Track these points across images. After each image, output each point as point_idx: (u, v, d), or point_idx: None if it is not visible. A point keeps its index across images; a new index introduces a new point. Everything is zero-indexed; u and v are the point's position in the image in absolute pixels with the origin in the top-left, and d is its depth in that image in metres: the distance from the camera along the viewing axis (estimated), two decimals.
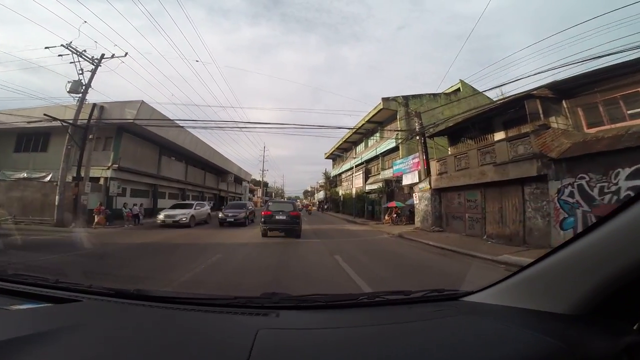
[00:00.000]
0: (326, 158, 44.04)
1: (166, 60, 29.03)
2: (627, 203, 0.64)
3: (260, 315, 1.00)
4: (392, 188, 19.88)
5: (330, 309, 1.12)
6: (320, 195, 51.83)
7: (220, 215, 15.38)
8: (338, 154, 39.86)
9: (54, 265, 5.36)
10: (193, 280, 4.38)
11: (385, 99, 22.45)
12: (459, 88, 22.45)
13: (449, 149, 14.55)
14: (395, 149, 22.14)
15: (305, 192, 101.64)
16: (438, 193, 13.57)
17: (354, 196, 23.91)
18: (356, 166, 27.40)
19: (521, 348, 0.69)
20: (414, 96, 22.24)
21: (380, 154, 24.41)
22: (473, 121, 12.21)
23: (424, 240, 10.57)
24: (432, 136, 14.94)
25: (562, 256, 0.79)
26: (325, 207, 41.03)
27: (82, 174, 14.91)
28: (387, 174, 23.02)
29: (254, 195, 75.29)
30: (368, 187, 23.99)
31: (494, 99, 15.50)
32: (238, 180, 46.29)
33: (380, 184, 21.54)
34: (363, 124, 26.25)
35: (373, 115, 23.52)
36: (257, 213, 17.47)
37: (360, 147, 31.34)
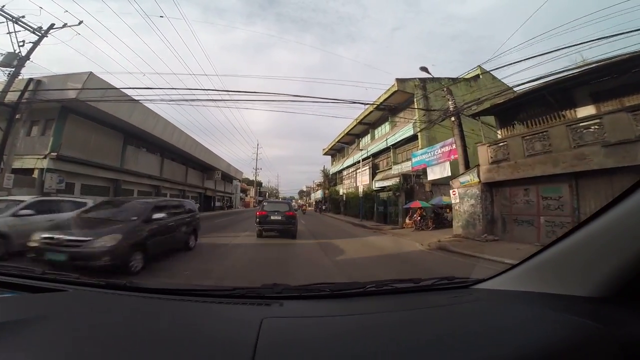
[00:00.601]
0: (325, 154, 40.26)
1: (134, 33, 24.79)
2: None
3: (262, 305, 0.94)
4: (411, 184, 16.13)
5: (336, 298, 1.05)
6: (318, 194, 47.92)
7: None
8: (338, 149, 36.15)
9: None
10: None
11: (400, 80, 18.82)
12: (479, 74, 19.07)
13: (499, 133, 10.83)
14: (412, 139, 18.48)
15: (301, 192, 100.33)
16: (489, 188, 9.83)
17: (360, 195, 20.10)
18: (363, 160, 23.59)
19: (556, 331, 0.64)
20: (432, 79, 18.56)
21: (392, 145, 20.70)
22: (540, 94, 8.52)
23: (489, 255, 6.83)
24: (475, 115, 11.18)
25: (580, 237, 0.75)
26: (324, 207, 37.17)
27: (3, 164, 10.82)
28: (402, 168, 19.32)
29: (246, 195, 71.03)
30: (377, 184, 20.21)
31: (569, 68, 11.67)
32: (227, 178, 42.09)
33: (395, 180, 17.79)
34: (371, 111, 22.55)
35: (385, 99, 19.81)
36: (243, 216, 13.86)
37: (365, 140, 27.59)
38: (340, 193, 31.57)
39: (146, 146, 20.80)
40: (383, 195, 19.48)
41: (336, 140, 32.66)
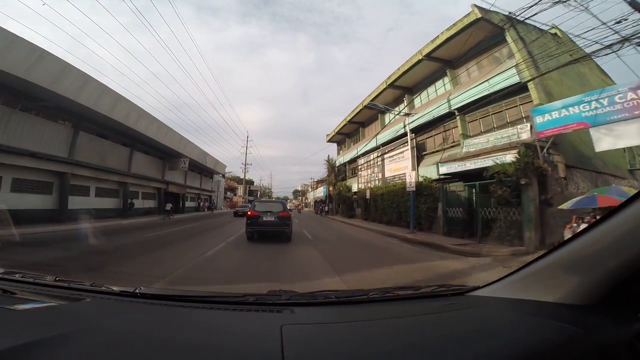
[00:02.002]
0: (329, 141, 31.73)
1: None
2: (631, 200, 0.66)
3: (275, 312, 0.95)
4: (540, 166, 7.76)
5: (342, 304, 1.09)
6: (320, 192, 39.34)
7: None
8: (348, 133, 27.69)
9: None
10: None
11: (481, 8, 10.71)
12: (556, 33, 11.50)
13: None
14: (520, 91, 10.03)
15: (295, 192, 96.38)
16: None
17: (409, 189, 11.52)
18: (397, 138, 15.14)
19: (539, 335, 0.69)
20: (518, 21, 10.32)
21: (459, 108, 12.32)
22: None
23: None
24: None
25: (569, 250, 0.80)
26: (327, 208, 28.73)
27: None
28: (480, 144, 11.00)
29: (234, 194, 61.89)
30: (443, 170, 11.67)
31: None
32: (205, 171, 33.13)
33: (478, 163, 9.48)
34: (409, 70, 14.30)
35: (457, 32, 11.61)
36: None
37: (388, 118, 19.22)
38: (355, 189, 23.10)
39: (41, 110, 11.93)
40: (457, 188, 11.07)
41: (349, 118, 24.13)
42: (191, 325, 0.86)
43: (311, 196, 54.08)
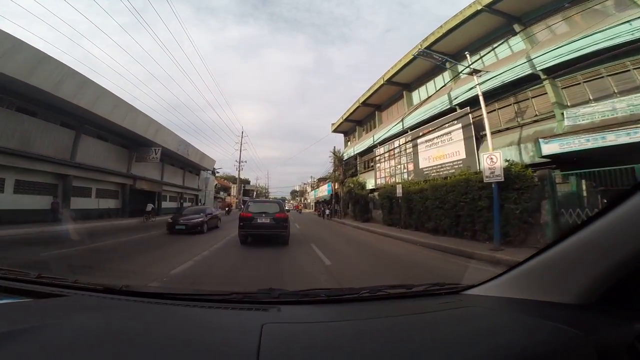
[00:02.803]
0: (334, 131, 27.21)
1: None
2: (627, 194, 0.64)
3: (261, 311, 0.92)
4: None
5: (332, 303, 1.04)
6: (322, 191, 34.73)
7: None
8: (359, 121, 23.20)
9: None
10: None
11: None
12: None
13: None
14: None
15: (293, 193, 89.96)
16: None
17: (490, 180, 7.02)
18: (437, 117, 10.61)
19: (537, 336, 0.67)
20: None
21: (553, 67, 7.82)
22: None
23: None
24: None
25: (564, 247, 0.77)
26: (334, 209, 24.22)
27: None
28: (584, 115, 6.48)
29: (227, 194, 56.99)
30: (558, 147, 7.10)
31: None
32: (190, 167, 28.49)
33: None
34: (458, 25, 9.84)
35: None
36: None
37: (417, 96, 14.71)
38: (370, 186, 18.57)
39: None
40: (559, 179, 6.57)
41: (365, 98, 19.54)
42: (169, 321, 0.84)
43: (312, 196, 49.40)
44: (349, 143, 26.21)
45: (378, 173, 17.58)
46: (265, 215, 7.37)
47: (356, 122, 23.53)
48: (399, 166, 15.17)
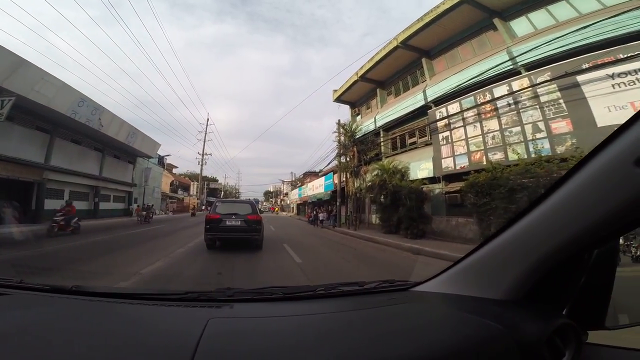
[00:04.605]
0: (336, 100, 19.35)
1: None
2: (545, 195, 0.67)
3: (213, 308, 0.90)
4: None
5: (288, 301, 1.03)
6: (315, 189, 26.34)
7: None
8: (380, 82, 15.50)
9: None
10: None
11: None
12: None
13: None
14: None
15: (267, 194, 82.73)
16: None
17: None
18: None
19: (463, 331, 0.70)
20: None
21: None
22: None
23: None
24: None
25: (494, 245, 0.80)
26: (326, 215, 16.36)
27: None
28: None
29: (187, 194, 45.96)
30: None
31: None
32: (115, 149, 18.68)
33: None
34: None
35: None
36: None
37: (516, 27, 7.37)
38: (424, 174, 10.92)
39: None
40: None
41: (410, 33, 11.78)
42: (110, 319, 0.81)
43: (294, 196, 40.59)
44: (358, 117, 18.39)
45: (445, 149, 9.90)
46: (236, 217, 6.73)
47: (377, 82, 15.75)
48: (512, 128, 7.60)
